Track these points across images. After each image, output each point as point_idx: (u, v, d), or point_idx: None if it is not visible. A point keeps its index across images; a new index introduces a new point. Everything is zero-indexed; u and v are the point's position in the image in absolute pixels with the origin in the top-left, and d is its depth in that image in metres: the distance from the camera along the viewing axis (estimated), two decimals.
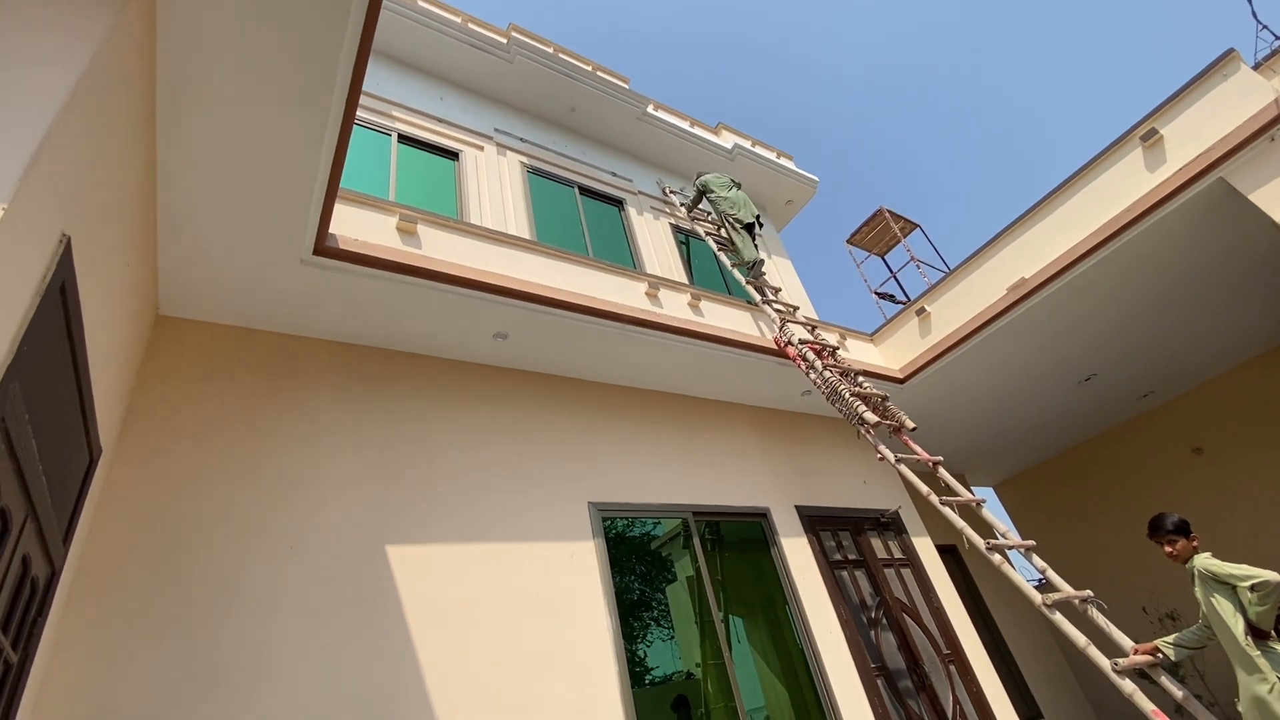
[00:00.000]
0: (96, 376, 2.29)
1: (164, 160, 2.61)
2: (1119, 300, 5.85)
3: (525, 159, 6.33)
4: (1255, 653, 2.94)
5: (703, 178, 7.03)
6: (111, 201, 2.22)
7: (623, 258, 6.37)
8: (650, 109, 7.65)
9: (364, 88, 5.13)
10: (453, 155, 5.78)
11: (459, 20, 6.35)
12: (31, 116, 1.57)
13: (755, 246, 6.55)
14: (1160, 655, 3.25)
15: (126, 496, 2.87)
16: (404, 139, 5.50)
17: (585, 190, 6.69)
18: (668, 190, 7.49)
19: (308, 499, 3.28)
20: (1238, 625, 3.00)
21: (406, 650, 3.10)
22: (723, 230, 6.81)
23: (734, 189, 6.87)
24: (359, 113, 5.24)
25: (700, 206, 7.17)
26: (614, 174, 7.17)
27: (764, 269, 6.71)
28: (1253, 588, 2.92)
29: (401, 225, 3.84)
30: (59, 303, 1.80)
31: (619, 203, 6.95)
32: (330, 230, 3.37)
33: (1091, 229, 5.20)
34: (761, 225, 6.84)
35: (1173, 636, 3.32)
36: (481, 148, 6.01)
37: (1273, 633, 2.99)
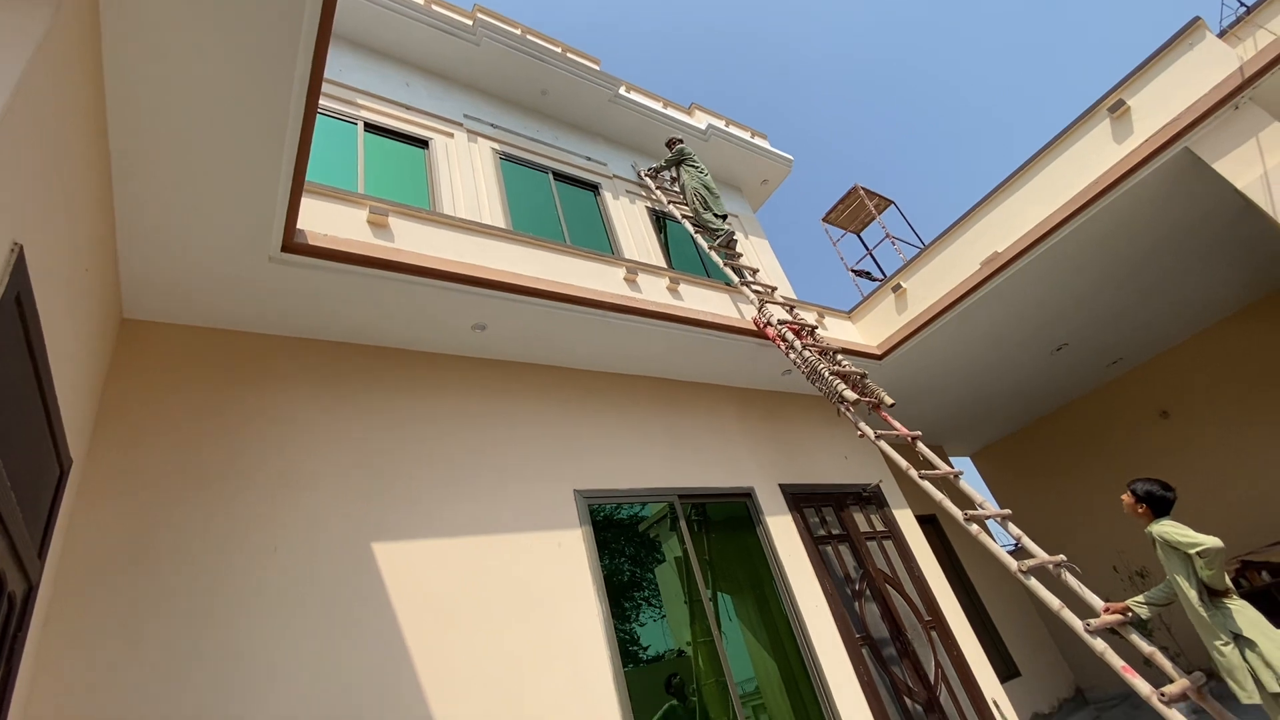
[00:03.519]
0: (61, 387, 2.23)
1: (117, 160, 2.52)
2: (1089, 271, 5.97)
3: (497, 145, 6.22)
4: (1205, 614, 3.04)
5: (681, 145, 7.04)
6: (65, 205, 2.14)
7: (600, 243, 6.33)
8: (623, 90, 7.55)
9: (326, 75, 4.98)
10: (422, 143, 5.66)
11: (421, 2, 6.18)
12: None
13: (726, 220, 6.61)
14: (1130, 614, 3.38)
15: (101, 505, 2.81)
16: (371, 127, 5.37)
17: (559, 176, 6.61)
18: (643, 173, 7.43)
19: (289, 500, 3.25)
20: (1191, 590, 3.10)
21: (397, 646, 3.11)
22: (690, 205, 6.83)
23: (705, 171, 6.95)
24: (322, 101, 5.10)
25: (667, 174, 7.21)
26: (588, 158, 7.08)
27: (736, 241, 6.73)
28: (1199, 554, 3.02)
29: (372, 218, 3.76)
30: (16, 315, 1.74)
31: (594, 188, 6.88)
32: (298, 226, 3.30)
33: (1061, 202, 5.28)
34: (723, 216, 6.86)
35: (1143, 595, 3.44)
36: (451, 135, 5.90)
37: (1229, 589, 3.10)
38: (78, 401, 2.59)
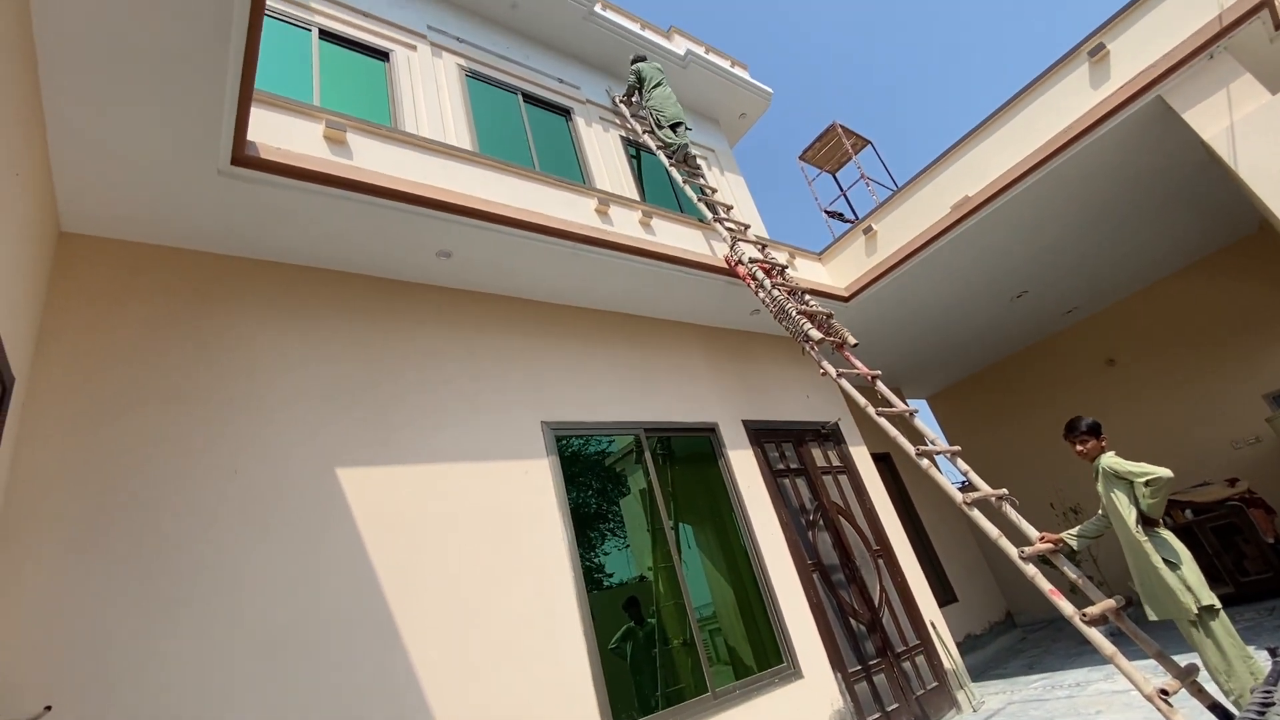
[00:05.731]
0: None
1: (44, 50, 2.30)
2: (1054, 218, 6.06)
3: (463, 61, 5.88)
4: (1143, 538, 3.31)
5: (638, 65, 6.84)
6: None
7: (571, 172, 6.14)
8: (598, 8, 7.14)
9: None
10: (383, 55, 5.31)
11: None
12: None
13: (684, 138, 6.53)
14: (1062, 545, 3.63)
15: (51, 425, 2.73)
16: (326, 35, 5.00)
17: (530, 98, 6.31)
18: (617, 99, 7.16)
19: (248, 424, 3.19)
20: (1131, 516, 3.36)
21: (363, 566, 3.16)
22: (648, 122, 6.73)
23: (664, 85, 6.78)
24: (271, 1, 4.72)
25: (634, 100, 7.04)
26: (560, 80, 6.77)
27: (694, 155, 6.69)
28: (1147, 483, 3.26)
29: (329, 133, 3.56)
30: None
31: (566, 112, 6.61)
32: (249, 138, 3.11)
33: (1035, 146, 5.29)
34: (688, 129, 6.72)
35: (1075, 529, 3.70)
36: (414, 47, 5.54)
37: (1161, 520, 3.37)
38: (15, 318, 2.46)
